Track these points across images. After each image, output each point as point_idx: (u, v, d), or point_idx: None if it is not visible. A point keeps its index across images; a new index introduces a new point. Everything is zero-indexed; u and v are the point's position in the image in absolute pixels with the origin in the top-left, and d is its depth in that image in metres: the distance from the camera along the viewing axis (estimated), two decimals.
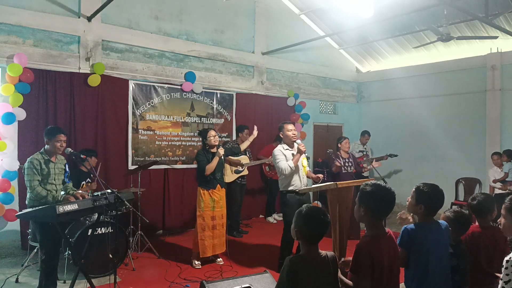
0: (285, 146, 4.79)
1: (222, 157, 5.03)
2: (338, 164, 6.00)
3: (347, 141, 6.35)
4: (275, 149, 4.80)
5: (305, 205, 2.28)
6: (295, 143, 4.74)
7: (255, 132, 5.39)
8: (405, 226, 2.52)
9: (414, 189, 2.57)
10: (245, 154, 6.80)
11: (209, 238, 4.90)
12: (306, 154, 4.80)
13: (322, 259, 2.18)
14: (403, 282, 2.55)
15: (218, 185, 5.00)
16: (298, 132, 8.34)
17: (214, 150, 5.00)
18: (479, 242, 2.88)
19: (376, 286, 2.16)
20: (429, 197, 2.48)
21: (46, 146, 3.92)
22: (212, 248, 4.93)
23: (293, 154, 4.69)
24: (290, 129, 4.75)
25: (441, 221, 2.63)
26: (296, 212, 2.26)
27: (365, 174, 7.54)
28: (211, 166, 4.85)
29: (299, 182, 4.70)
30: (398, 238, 2.50)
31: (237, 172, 6.52)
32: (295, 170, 4.64)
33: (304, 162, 4.79)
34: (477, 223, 3.02)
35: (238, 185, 6.62)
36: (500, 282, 1.94)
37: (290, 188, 4.66)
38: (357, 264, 2.18)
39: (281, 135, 4.88)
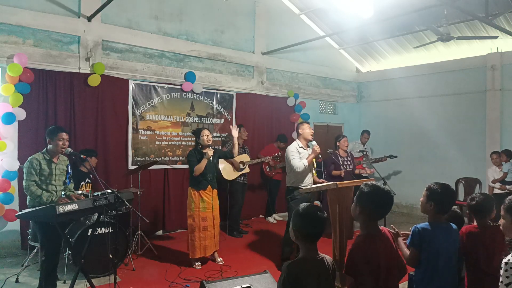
0: (300, 144, 4.94)
1: (211, 158, 4.94)
2: (342, 174, 6.05)
3: (345, 140, 6.35)
4: (290, 146, 4.96)
5: (301, 205, 2.27)
6: (310, 144, 4.88)
7: (235, 133, 5.14)
8: (416, 225, 2.55)
9: (426, 188, 2.62)
10: (245, 152, 6.80)
11: (198, 239, 4.87)
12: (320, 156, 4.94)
13: (320, 260, 2.16)
14: (405, 281, 2.56)
15: (209, 186, 4.96)
16: None
17: (206, 150, 4.98)
18: (476, 242, 2.88)
19: (373, 286, 2.16)
20: (439, 195, 2.52)
21: (48, 146, 3.91)
22: (202, 249, 4.90)
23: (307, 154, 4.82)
24: (309, 128, 4.94)
25: (451, 223, 2.65)
26: (293, 213, 2.25)
27: (364, 174, 7.55)
28: (199, 167, 4.81)
29: (309, 181, 4.87)
30: (408, 237, 2.53)
31: (240, 169, 6.53)
32: (308, 170, 4.81)
33: (314, 163, 4.93)
34: (475, 223, 3.02)
35: (240, 185, 6.63)
36: (501, 284, 1.93)
37: (297, 185, 4.82)
38: (352, 265, 2.17)
39: (300, 131, 5.00)
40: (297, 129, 5.05)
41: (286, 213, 5.18)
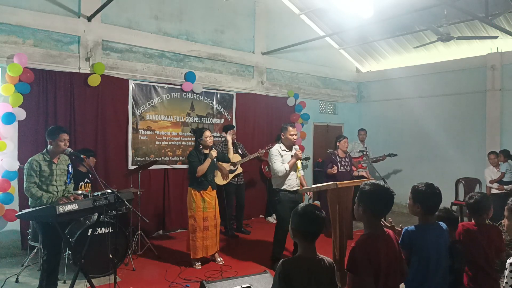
0: (283, 147, 4.93)
1: (215, 159, 5.01)
2: (334, 172, 6.07)
3: (346, 141, 6.35)
4: (272, 149, 4.95)
5: (300, 204, 2.28)
6: (293, 148, 4.91)
7: (229, 138, 5.90)
8: (406, 227, 2.54)
9: (411, 190, 2.60)
10: (236, 152, 6.74)
11: (200, 239, 4.88)
12: (305, 156, 4.96)
13: (317, 261, 2.16)
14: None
15: (210, 187, 4.98)
16: (298, 132, 8.34)
17: (207, 151, 4.98)
18: (474, 240, 2.92)
19: (374, 285, 2.16)
20: (424, 195, 2.51)
21: (48, 147, 3.90)
22: (204, 249, 4.90)
23: (291, 156, 4.84)
24: (293, 134, 4.90)
25: (441, 223, 2.64)
26: (292, 211, 2.26)
27: (364, 174, 7.54)
28: (202, 168, 4.82)
29: (294, 183, 4.89)
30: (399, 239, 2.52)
31: (231, 171, 6.50)
32: (290, 172, 4.82)
33: (298, 164, 4.92)
34: (473, 221, 3.06)
35: (234, 186, 6.58)
36: (505, 285, 1.93)
37: (283, 187, 4.85)
38: (353, 263, 2.18)
39: (282, 136, 5.02)
40: (282, 130, 5.01)
41: None
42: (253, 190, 7.70)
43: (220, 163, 6.30)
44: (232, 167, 6.50)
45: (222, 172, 6.44)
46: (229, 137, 5.11)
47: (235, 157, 6.61)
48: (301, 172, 5.03)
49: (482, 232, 2.93)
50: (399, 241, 2.49)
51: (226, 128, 6.61)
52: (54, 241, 3.79)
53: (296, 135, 4.94)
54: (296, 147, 4.91)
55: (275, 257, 4.88)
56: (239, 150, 6.80)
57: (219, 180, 6.41)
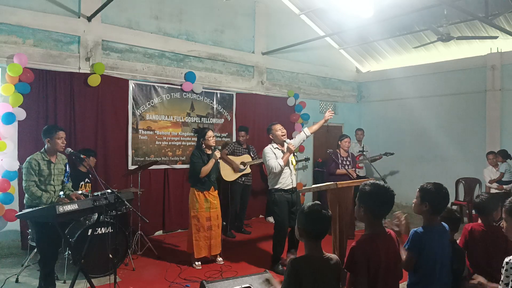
0: (275, 145, 4.88)
1: (218, 160, 5.00)
2: (352, 174, 6.06)
3: (347, 140, 6.34)
4: (265, 148, 4.89)
5: (307, 203, 2.29)
6: (285, 143, 4.82)
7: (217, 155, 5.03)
8: (414, 229, 2.48)
9: (418, 189, 2.57)
10: (248, 153, 6.79)
11: (204, 239, 4.88)
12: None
13: (324, 260, 2.18)
14: (406, 282, 2.53)
15: (212, 187, 4.98)
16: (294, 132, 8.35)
17: (209, 151, 4.97)
18: (478, 240, 2.89)
19: (372, 285, 2.16)
20: (433, 195, 2.47)
21: (46, 146, 3.91)
22: (207, 249, 4.91)
23: (283, 152, 4.78)
24: (279, 129, 4.85)
25: (443, 223, 2.63)
26: (299, 211, 2.27)
27: (361, 173, 7.56)
28: (206, 169, 4.81)
29: (289, 181, 4.78)
30: (407, 241, 2.47)
31: (240, 170, 6.53)
32: (287, 170, 4.77)
33: (294, 162, 4.87)
34: (479, 221, 3.03)
35: (240, 186, 6.61)
36: (501, 283, 1.94)
37: (277, 186, 4.76)
38: (352, 262, 2.18)
39: (271, 137, 4.95)
40: (268, 132, 4.96)
41: None
42: (253, 190, 7.68)
43: (231, 157, 6.33)
44: (242, 167, 6.53)
45: (232, 166, 6.45)
46: (217, 154, 4.94)
47: (245, 158, 6.65)
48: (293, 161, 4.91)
49: (488, 233, 2.89)
50: (408, 244, 2.46)
51: (242, 129, 6.70)
52: (49, 243, 3.78)
53: (282, 129, 4.86)
54: (288, 140, 4.80)
55: (276, 257, 4.85)
56: (251, 153, 6.82)
57: (228, 177, 6.41)
